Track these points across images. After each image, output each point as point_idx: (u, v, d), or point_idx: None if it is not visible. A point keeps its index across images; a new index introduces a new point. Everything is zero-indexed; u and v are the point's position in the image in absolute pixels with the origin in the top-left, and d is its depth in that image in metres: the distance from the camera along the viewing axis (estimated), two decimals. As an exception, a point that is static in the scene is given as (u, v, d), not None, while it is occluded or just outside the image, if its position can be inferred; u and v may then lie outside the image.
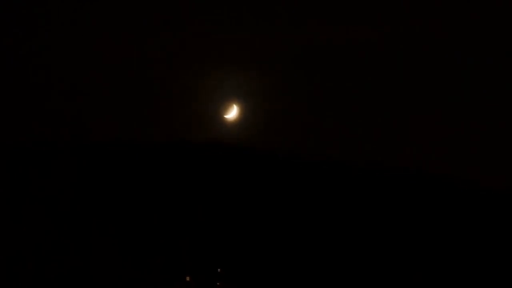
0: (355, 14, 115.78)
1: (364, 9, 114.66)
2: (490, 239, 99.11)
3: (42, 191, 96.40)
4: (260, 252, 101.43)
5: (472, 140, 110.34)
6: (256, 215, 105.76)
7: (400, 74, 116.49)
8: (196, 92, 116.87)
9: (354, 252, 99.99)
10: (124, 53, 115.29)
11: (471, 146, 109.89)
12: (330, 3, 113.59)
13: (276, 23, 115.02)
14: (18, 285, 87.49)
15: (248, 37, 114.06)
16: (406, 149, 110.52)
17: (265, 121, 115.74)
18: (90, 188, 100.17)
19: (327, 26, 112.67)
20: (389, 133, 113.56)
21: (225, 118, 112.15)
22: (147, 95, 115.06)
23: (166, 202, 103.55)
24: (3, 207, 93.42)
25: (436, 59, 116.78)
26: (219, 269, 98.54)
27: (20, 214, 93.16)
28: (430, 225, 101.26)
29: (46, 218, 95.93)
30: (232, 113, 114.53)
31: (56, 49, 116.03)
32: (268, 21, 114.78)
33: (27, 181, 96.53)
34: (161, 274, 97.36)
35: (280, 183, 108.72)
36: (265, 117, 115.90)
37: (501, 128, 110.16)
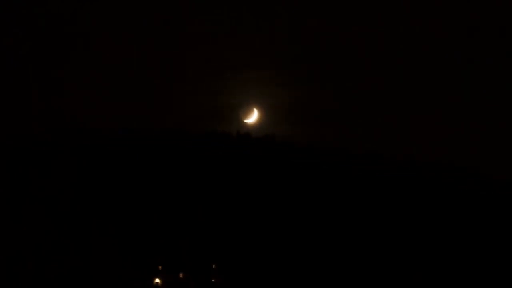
0: (359, 14, 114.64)
1: (366, 9, 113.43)
2: (490, 231, 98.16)
3: (42, 191, 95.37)
4: (255, 249, 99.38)
5: (473, 134, 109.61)
6: (253, 212, 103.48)
7: (400, 72, 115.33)
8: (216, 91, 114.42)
9: (354, 249, 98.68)
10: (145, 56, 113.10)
11: (472, 140, 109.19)
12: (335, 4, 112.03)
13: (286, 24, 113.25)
14: (18, 285, 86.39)
15: (262, 39, 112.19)
16: (408, 143, 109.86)
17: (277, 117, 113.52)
18: (89, 187, 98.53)
19: (333, 27, 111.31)
20: (389, 128, 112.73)
21: (245, 122, 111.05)
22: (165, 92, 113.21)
23: (162, 200, 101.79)
24: (3, 207, 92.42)
25: (436, 59, 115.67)
26: (214, 265, 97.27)
27: (20, 214, 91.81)
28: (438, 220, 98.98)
29: (46, 218, 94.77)
30: (253, 117, 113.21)
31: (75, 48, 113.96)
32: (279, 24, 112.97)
33: (27, 181, 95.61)
34: (155, 271, 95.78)
35: (278, 181, 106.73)
36: (276, 113, 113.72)
37: (501, 127, 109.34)
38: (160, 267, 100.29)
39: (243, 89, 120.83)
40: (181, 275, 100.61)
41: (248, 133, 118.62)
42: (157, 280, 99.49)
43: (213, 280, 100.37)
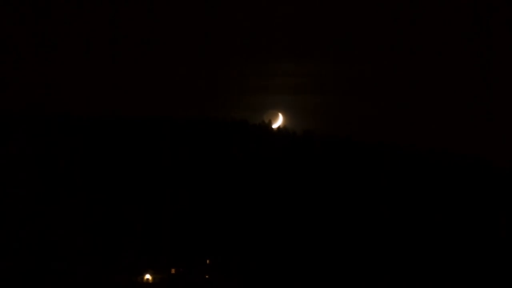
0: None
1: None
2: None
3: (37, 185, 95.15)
4: (251, 245, 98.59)
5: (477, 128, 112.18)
6: (249, 208, 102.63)
7: (415, 74, 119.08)
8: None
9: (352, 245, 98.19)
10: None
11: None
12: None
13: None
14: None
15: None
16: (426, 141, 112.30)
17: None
18: (81, 180, 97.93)
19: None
20: (406, 126, 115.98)
21: (272, 127, 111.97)
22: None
23: (153, 194, 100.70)
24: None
25: (442, 58, 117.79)
26: (208, 261, 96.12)
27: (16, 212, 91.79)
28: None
29: (42, 213, 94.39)
30: (278, 122, 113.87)
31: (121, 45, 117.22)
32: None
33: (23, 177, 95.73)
34: (147, 266, 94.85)
35: (274, 175, 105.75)
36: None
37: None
38: (150, 263, 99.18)
39: (266, 94, 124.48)
40: (173, 271, 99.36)
41: (245, 120, 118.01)
42: (147, 276, 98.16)
43: (207, 276, 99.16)
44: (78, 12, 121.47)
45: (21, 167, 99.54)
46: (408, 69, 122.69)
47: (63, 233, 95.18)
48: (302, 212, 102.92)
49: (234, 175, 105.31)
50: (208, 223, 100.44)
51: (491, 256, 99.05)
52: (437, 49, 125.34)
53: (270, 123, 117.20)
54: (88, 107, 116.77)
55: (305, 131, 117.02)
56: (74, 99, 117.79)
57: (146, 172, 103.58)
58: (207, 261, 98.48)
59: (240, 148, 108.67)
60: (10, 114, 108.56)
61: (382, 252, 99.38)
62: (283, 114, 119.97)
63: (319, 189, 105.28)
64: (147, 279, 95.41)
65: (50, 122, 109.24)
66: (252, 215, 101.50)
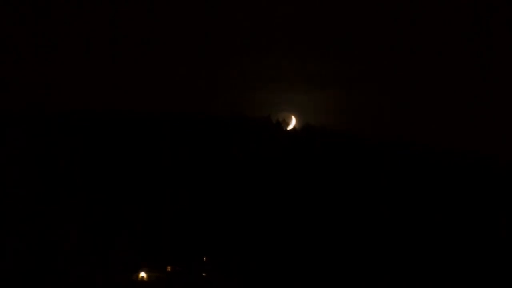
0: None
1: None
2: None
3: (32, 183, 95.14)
4: (249, 243, 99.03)
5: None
6: (247, 205, 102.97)
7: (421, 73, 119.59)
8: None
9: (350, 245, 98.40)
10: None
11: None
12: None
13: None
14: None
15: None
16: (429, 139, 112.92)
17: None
18: (76, 178, 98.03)
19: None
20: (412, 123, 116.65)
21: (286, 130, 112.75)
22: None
23: (149, 189, 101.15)
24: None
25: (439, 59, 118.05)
26: (205, 258, 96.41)
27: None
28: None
29: (37, 211, 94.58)
30: (291, 124, 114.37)
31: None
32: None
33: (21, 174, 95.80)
34: (140, 264, 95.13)
35: (271, 173, 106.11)
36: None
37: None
38: (146, 260, 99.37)
39: (267, 93, 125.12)
40: (168, 268, 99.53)
41: (244, 118, 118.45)
42: (142, 274, 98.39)
43: (204, 274, 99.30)
44: (78, 12, 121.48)
45: (21, 167, 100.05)
46: (408, 68, 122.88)
47: (63, 233, 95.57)
48: (302, 211, 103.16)
49: (234, 172, 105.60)
50: (205, 221, 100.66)
51: (491, 256, 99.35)
52: (437, 49, 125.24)
53: (284, 125, 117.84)
54: (88, 107, 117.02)
55: (306, 127, 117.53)
56: (74, 99, 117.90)
57: (144, 171, 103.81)
58: (204, 259, 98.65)
59: (239, 146, 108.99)
60: (10, 114, 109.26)
61: (382, 252, 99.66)
62: (282, 111, 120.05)
63: (319, 187, 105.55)
64: (143, 277, 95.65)
65: (50, 122, 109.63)
66: (251, 213, 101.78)
